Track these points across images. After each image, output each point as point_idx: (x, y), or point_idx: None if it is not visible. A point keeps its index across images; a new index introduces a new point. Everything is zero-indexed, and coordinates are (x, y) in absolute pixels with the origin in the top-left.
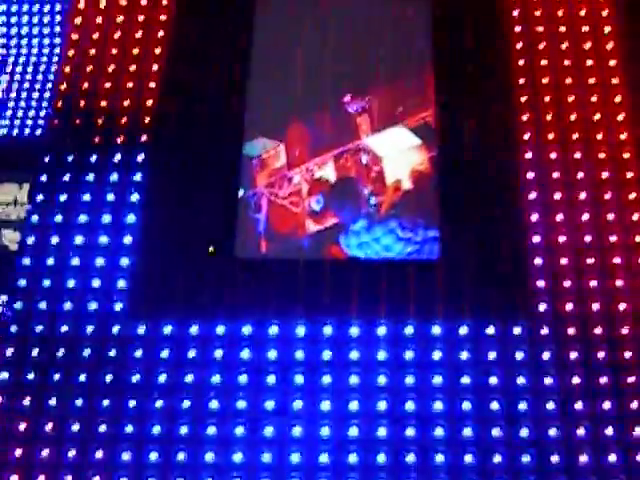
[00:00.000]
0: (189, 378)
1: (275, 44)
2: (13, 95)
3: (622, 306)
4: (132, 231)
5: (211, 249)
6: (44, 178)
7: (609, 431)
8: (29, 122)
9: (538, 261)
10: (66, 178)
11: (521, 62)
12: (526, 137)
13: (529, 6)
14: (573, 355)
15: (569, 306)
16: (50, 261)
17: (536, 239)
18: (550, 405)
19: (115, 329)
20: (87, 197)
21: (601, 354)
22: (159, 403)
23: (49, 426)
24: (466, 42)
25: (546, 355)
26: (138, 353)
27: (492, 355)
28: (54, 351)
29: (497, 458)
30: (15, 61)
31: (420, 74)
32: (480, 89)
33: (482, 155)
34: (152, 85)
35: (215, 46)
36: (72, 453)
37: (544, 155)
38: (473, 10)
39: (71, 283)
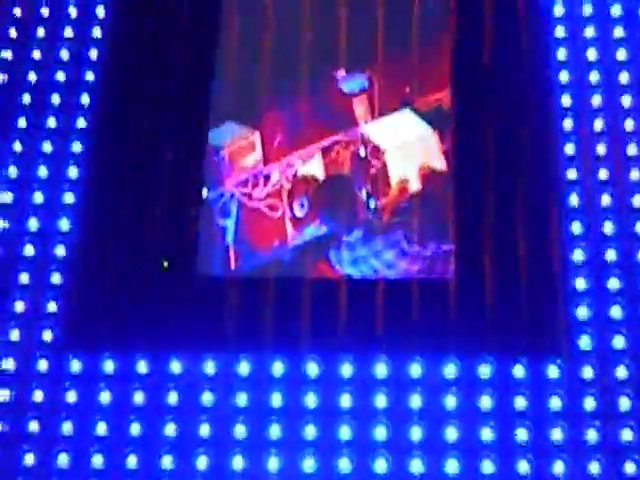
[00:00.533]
0: (135, 429)
1: (249, 10)
2: None
3: None
4: (65, 240)
5: (166, 264)
6: None
7: None
8: None
9: (581, 283)
10: None
11: (561, 32)
12: (568, 127)
13: None
14: (624, 403)
15: (618, 340)
16: None
17: (578, 255)
18: (594, 466)
19: (42, 364)
20: (8, 197)
21: None
22: (97, 459)
23: None
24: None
25: (589, 403)
26: (71, 396)
27: (520, 402)
28: None
29: None
30: None
31: (434, 46)
32: (511, 65)
33: (510, 148)
34: (94, 55)
35: (177, 12)
36: None
37: (589, 147)
38: None
39: None
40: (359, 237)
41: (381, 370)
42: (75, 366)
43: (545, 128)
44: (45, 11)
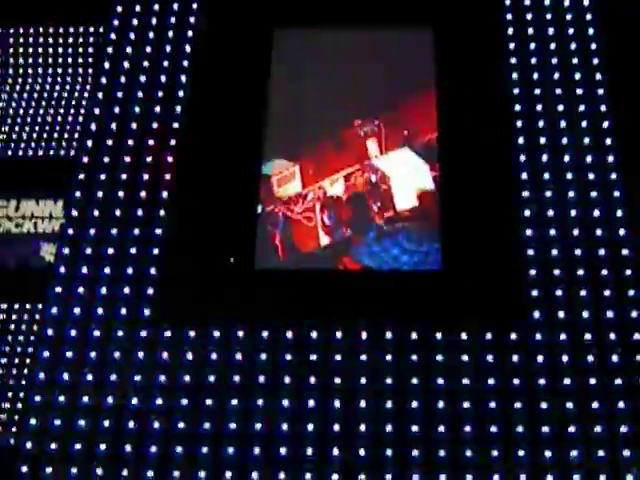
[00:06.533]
0: (211, 379)
1: (291, 77)
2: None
3: (610, 314)
4: (159, 244)
5: (232, 260)
6: (78, 194)
7: (597, 429)
8: (64, 143)
9: (533, 272)
10: (98, 194)
11: (516, 91)
12: (522, 159)
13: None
14: (564, 359)
15: (561, 314)
16: (84, 270)
17: (530, 252)
18: (543, 405)
19: (143, 333)
20: (118, 212)
21: (590, 358)
22: (183, 402)
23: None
24: (466, 69)
25: (540, 359)
26: (164, 356)
27: (490, 359)
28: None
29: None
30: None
31: (424, 100)
32: (480, 115)
33: (481, 175)
34: (178, 109)
35: (235, 82)
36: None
37: (539, 175)
38: (472, 38)
39: (102, 290)
40: (373, 238)
41: (388, 335)
42: (166, 334)
43: (505, 161)
44: None
